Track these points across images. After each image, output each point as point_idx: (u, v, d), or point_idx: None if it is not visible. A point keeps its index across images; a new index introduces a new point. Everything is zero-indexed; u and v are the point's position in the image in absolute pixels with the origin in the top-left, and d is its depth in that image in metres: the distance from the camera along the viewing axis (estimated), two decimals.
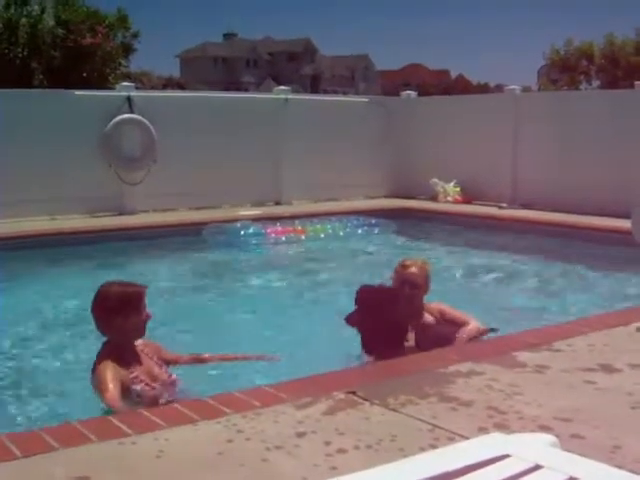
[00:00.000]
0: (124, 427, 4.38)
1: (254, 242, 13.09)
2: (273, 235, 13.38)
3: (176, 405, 4.85)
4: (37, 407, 5.86)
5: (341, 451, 4.20)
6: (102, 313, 5.54)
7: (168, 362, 5.99)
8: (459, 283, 11.15)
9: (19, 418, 5.64)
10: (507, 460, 2.55)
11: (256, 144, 16.43)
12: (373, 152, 17.86)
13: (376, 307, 6.24)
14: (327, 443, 4.30)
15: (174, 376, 5.87)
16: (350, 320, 6.38)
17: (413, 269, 7.00)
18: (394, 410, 4.79)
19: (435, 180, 17.10)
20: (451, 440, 4.34)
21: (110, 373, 5.36)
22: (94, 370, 5.46)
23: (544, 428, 4.43)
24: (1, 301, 9.71)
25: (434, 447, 4.20)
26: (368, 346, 6.36)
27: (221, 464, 4.04)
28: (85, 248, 12.32)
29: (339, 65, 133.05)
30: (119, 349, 5.57)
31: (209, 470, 3.94)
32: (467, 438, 4.31)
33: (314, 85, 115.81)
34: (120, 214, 14.83)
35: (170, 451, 3.87)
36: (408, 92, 19.58)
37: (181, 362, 6.28)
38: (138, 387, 5.46)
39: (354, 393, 5.02)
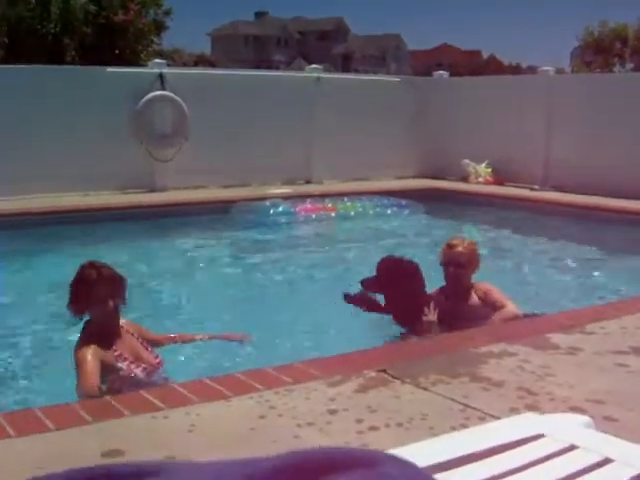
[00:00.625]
0: (157, 401, 4.40)
1: (283, 220, 13.07)
2: (303, 213, 13.36)
3: (207, 380, 4.86)
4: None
5: (372, 429, 4.21)
6: (84, 288, 5.42)
7: (152, 343, 5.93)
8: (488, 264, 11.08)
9: (55, 391, 5.66)
10: (541, 440, 2.55)
11: (287, 122, 16.41)
12: (404, 132, 17.81)
13: (394, 278, 6.33)
14: (359, 421, 4.31)
15: (160, 358, 5.78)
16: (365, 284, 6.49)
17: (459, 249, 7.05)
18: (425, 389, 4.80)
19: (467, 161, 17.02)
20: (482, 420, 4.34)
21: (90, 357, 5.22)
22: (75, 351, 5.35)
23: (576, 410, 4.41)
24: (33, 275, 9.79)
25: (465, 426, 4.20)
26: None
27: (253, 440, 4.06)
28: (115, 224, 12.36)
29: (370, 45, 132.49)
30: (101, 328, 5.46)
31: (241, 445, 3.95)
32: (498, 418, 4.31)
33: (345, 65, 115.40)
34: (151, 191, 14.86)
35: (202, 426, 3.89)
36: (440, 72, 19.50)
37: (164, 342, 6.23)
38: (123, 365, 5.38)
39: (385, 371, 5.02)
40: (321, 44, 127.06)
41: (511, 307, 6.99)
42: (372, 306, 6.94)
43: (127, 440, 3.90)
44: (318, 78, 17.02)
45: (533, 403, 4.60)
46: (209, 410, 4.25)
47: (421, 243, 12.32)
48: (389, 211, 13.87)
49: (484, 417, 4.39)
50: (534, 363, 5.32)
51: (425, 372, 5.05)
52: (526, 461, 2.42)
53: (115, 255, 9.79)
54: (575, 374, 5.14)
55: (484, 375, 5.06)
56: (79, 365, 5.22)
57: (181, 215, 13.22)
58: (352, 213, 13.56)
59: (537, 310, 7.19)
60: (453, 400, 4.63)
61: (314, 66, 17.95)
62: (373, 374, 5.00)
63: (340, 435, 4.12)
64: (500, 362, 5.34)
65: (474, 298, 7.06)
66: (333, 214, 13.50)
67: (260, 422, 4.27)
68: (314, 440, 4.02)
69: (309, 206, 13.57)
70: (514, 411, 4.44)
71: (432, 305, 6.69)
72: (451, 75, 20.12)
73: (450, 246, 7.14)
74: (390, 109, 17.69)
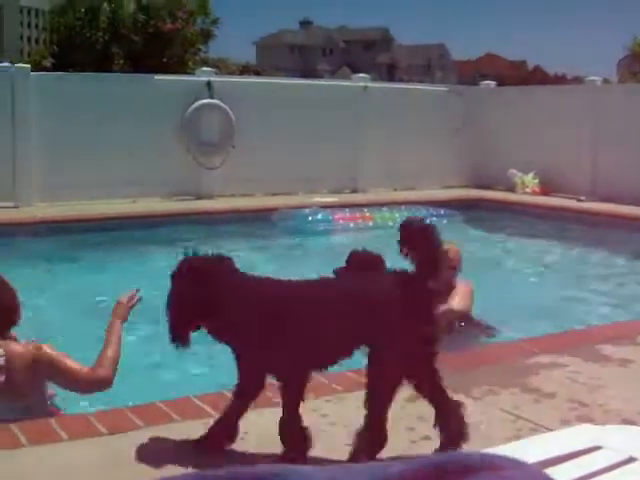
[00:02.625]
0: (207, 408, 4.42)
1: (321, 228, 13.08)
2: (341, 221, 13.39)
3: None
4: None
5: (425, 438, 4.21)
6: None
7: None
8: (532, 275, 11.03)
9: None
10: (599, 452, 2.54)
11: (334, 131, 16.41)
12: (451, 141, 17.75)
13: (361, 269, 6.62)
14: (410, 429, 4.32)
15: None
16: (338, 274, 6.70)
17: (452, 253, 7.34)
18: (476, 400, 4.79)
19: (513, 171, 16.95)
20: (534, 431, 4.32)
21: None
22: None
23: (629, 422, 4.39)
24: (82, 281, 9.86)
25: (518, 437, 4.19)
26: None
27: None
28: (162, 231, 12.43)
29: (415, 54, 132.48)
30: None
31: None
32: (550, 430, 4.29)
33: (390, 74, 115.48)
34: (198, 198, 14.93)
35: (255, 432, 3.91)
36: (487, 82, 19.45)
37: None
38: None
39: None
40: (366, 53, 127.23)
41: (447, 305, 7.22)
42: None
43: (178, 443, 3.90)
44: (365, 87, 17.02)
45: (585, 414, 4.58)
46: (261, 417, 4.26)
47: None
48: (427, 220, 13.80)
49: (536, 428, 4.38)
50: (585, 374, 5.29)
51: (476, 382, 5.04)
52: (585, 473, 2.41)
53: (161, 261, 9.86)
54: (627, 386, 5.11)
55: (534, 386, 5.05)
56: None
57: (226, 222, 13.27)
58: (389, 223, 13.53)
59: (588, 321, 7.16)
60: (505, 411, 4.63)
61: (361, 75, 17.97)
62: None
63: (393, 444, 4.11)
64: (550, 373, 5.32)
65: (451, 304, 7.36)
66: (371, 223, 13.50)
67: (313, 430, 4.28)
68: None
69: (347, 215, 13.60)
70: (566, 423, 4.42)
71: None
72: (498, 85, 20.04)
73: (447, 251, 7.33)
74: (437, 118, 17.65)
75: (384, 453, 3.88)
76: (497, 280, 10.20)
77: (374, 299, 3.80)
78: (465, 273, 10.71)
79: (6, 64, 15.37)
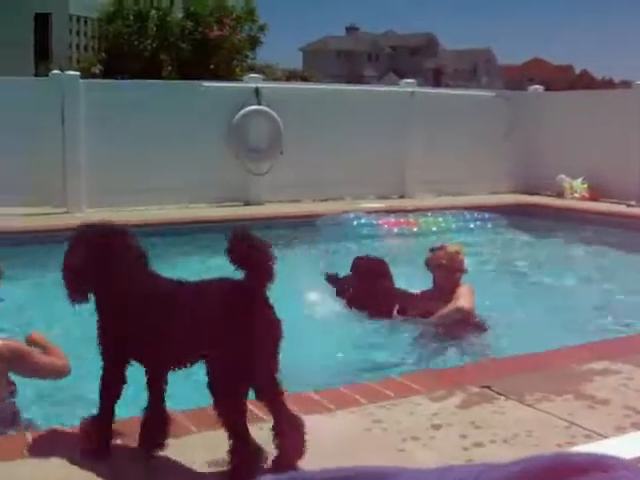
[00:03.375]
0: (260, 413, 4.42)
1: (365, 233, 13.05)
2: (385, 227, 13.36)
3: (311, 394, 4.89)
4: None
5: (477, 445, 4.19)
6: None
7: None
8: (581, 281, 10.93)
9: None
10: None
11: (381, 137, 16.40)
12: (499, 147, 17.66)
13: (368, 275, 6.74)
14: (463, 436, 4.29)
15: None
16: (343, 281, 6.90)
17: (461, 256, 7.81)
18: (530, 406, 4.76)
19: (562, 176, 16.84)
20: (588, 438, 4.29)
21: None
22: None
23: None
24: None
25: (571, 445, 4.16)
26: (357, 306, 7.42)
27: (359, 453, 4.06)
28: (210, 237, 12.47)
29: (461, 59, 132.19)
30: None
31: (347, 458, 3.95)
32: (604, 437, 4.26)
33: (436, 79, 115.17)
34: (246, 204, 14.98)
35: (308, 438, 3.89)
36: (535, 87, 19.33)
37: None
38: None
39: (489, 387, 5.00)
40: (412, 59, 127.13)
41: (452, 305, 7.53)
42: (347, 296, 7.59)
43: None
44: (412, 92, 17.00)
45: None
46: (314, 422, 4.26)
47: (499, 257, 12.39)
48: (472, 225, 13.78)
49: (590, 435, 4.34)
50: (639, 381, 5.24)
51: (529, 389, 5.01)
52: None
53: (210, 266, 9.90)
54: None
55: (588, 393, 5.00)
56: None
57: (274, 228, 13.27)
58: (434, 228, 13.51)
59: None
60: (558, 417, 4.59)
61: (408, 80, 17.93)
62: (476, 390, 4.97)
63: (445, 450, 4.11)
64: (604, 380, 5.27)
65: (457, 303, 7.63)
66: (415, 228, 13.47)
67: (365, 435, 4.29)
68: (419, 455, 4.02)
69: (392, 220, 13.57)
70: (620, 430, 4.39)
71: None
72: (545, 90, 19.92)
73: (457, 253, 7.85)
74: (485, 124, 17.58)
75: (430, 459, 3.87)
76: (544, 285, 10.15)
77: (204, 307, 3.76)
78: (511, 277, 10.71)
79: (56, 72, 15.52)
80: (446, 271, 7.72)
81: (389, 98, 17.17)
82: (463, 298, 7.57)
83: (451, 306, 7.53)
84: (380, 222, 13.41)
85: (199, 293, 3.82)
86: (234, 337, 3.68)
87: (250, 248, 3.71)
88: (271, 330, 3.80)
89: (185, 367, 4.02)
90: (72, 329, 6.82)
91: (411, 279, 10.71)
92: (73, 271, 4.13)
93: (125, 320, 4.01)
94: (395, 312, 7.65)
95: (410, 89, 17.13)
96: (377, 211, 14.10)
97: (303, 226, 13.27)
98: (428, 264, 7.91)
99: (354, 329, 7.54)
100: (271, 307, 3.84)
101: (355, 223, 13.23)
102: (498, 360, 6.16)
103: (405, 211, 14.25)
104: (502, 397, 4.86)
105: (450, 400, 4.81)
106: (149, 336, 3.96)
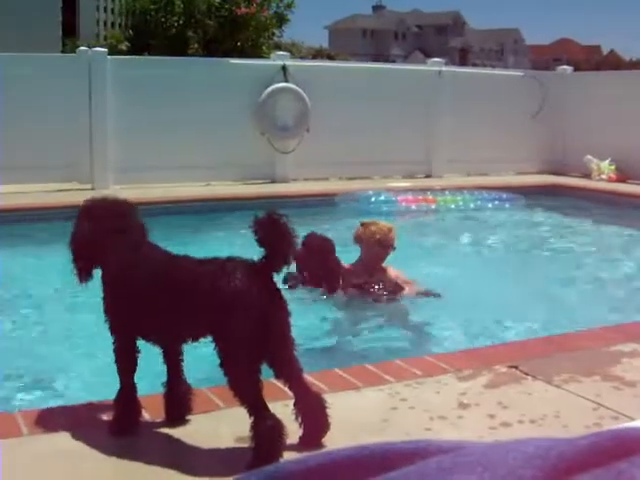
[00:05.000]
0: (285, 389, 4.41)
1: (384, 209, 13.02)
2: (404, 204, 13.35)
3: (338, 371, 4.89)
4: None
5: (505, 424, 4.18)
6: None
7: None
8: (604, 261, 10.86)
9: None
10: None
11: (408, 115, 16.35)
12: (526, 127, 17.57)
13: (318, 252, 7.07)
14: (491, 416, 4.28)
15: None
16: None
17: (392, 234, 7.87)
18: (557, 386, 4.74)
19: (589, 157, 16.73)
20: (615, 420, 4.27)
21: None
22: None
23: None
24: None
25: (599, 426, 4.14)
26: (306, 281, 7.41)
27: (386, 431, 4.07)
28: (235, 214, 12.47)
29: (488, 39, 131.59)
30: None
31: (374, 436, 3.96)
32: (632, 419, 4.23)
33: (462, 58, 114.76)
34: (272, 182, 14.99)
35: (335, 415, 3.89)
36: (564, 67, 19.20)
37: None
38: None
39: (516, 367, 4.98)
40: (438, 38, 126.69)
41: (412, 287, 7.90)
42: (303, 282, 7.56)
43: None
44: (440, 72, 16.92)
45: None
46: (342, 400, 4.26)
47: (514, 235, 12.42)
48: (490, 204, 13.75)
49: (617, 417, 4.32)
50: None
51: (556, 369, 4.99)
52: None
53: (233, 243, 9.92)
54: None
55: (616, 374, 4.98)
56: None
57: (297, 206, 13.25)
58: (452, 205, 13.51)
59: None
60: (585, 399, 4.57)
61: (436, 59, 17.85)
62: (504, 369, 4.96)
63: (472, 430, 4.10)
64: (632, 362, 5.25)
65: (389, 275, 7.89)
66: (433, 206, 13.47)
67: (392, 414, 4.28)
68: (446, 434, 4.01)
69: (410, 197, 13.56)
70: None
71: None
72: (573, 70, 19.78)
73: (390, 230, 7.87)
74: (512, 103, 17.48)
75: (457, 438, 3.85)
76: (570, 266, 10.10)
77: (212, 285, 3.73)
78: (534, 258, 10.66)
79: (84, 48, 15.53)
80: (378, 246, 7.77)
81: (417, 77, 17.10)
82: (407, 281, 7.94)
83: (412, 290, 7.86)
84: (399, 199, 13.40)
85: (208, 270, 3.81)
86: (244, 316, 3.68)
87: (274, 231, 3.72)
88: (280, 308, 3.81)
89: (192, 342, 4.06)
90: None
91: (426, 255, 10.73)
92: (78, 245, 4.18)
93: (129, 296, 4.03)
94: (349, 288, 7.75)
95: (438, 68, 17.05)
96: (405, 190, 14.06)
97: (328, 204, 13.27)
98: (358, 238, 7.94)
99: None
100: (279, 288, 3.86)
101: (373, 200, 13.22)
102: (525, 340, 6.14)
103: (431, 190, 14.19)
104: (529, 377, 4.84)
105: (477, 379, 4.79)
106: (153, 313, 3.98)
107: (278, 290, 3.82)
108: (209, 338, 3.83)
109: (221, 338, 3.72)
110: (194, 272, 3.83)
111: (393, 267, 7.98)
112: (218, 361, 3.73)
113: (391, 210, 13.00)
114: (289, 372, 3.86)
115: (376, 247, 7.77)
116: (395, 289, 7.79)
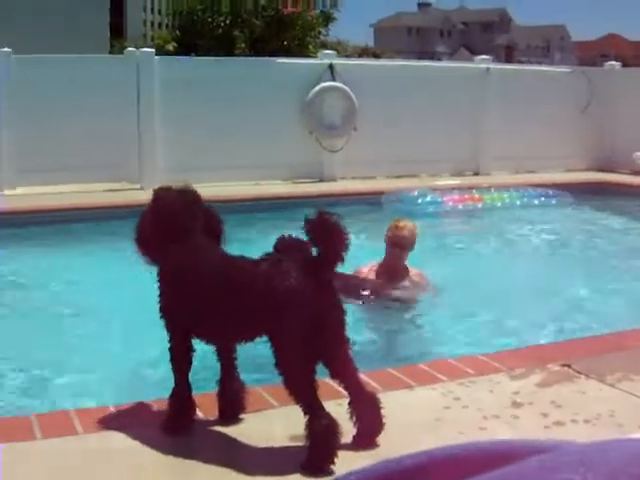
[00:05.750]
0: (339, 389, 4.42)
1: (430, 210, 12.94)
2: (450, 203, 13.26)
3: (391, 370, 4.89)
4: None
5: (559, 424, 4.16)
6: None
7: None
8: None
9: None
10: None
11: (455, 113, 16.28)
12: (574, 124, 17.43)
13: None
14: (544, 415, 4.27)
15: None
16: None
17: (405, 232, 7.53)
18: (611, 385, 4.71)
19: (638, 154, 16.58)
20: None
21: None
22: None
23: None
24: None
25: None
26: None
27: (440, 430, 4.07)
28: (281, 214, 12.49)
29: (534, 35, 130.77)
30: None
31: (428, 435, 3.96)
32: None
33: (508, 55, 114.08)
34: (320, 181, 15.00)
35: (389, 414, 3.89)
36: (612, 63, 19.04)
37: None
38: None
39: (569, 366, 4.95)
40: (484, 35, 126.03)
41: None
42: None
43: None
44: (488, 69, 16.84)
45: None
46: (394, 399, 4.26)
47: (560, 233, 12.37)
48: (536, 201, 13.63)
49: None
50: None
51: (609, 368, 4.96)
52: None
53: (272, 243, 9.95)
54: None
55: None
56: None
57: (344, 205, 13.23)
58: (498, 204, 13.41)
59: None
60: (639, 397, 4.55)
61: (483, 57, 17.77)
62: (556, 368, 4.94)
63: (526, 429, 4.09)
64: None
65: (407, 279, 7.67)
66: (480, 204, 13.37)
67: (445, 413, 4.28)
68: (501, 433, 4.00)
69: (456, 196, 13.47)
70: None
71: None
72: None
73: (397, 228, 7.58)
74: (560, 100, 17.36)
75: (512, 437, 3.85)
76: (619, 265, 10.01)
77: (268, 284, 3.73)
78: (582, 256, 10.56)
79: (131, 49, 15.64)
80: (389, 245, 7.61)
81: (464, 74, 17.02)
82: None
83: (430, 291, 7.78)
84: (445, 198, 13.33)
85: (263, 270, 3.81)
86: (298, 315, 3.69)
87: (326, 230, 3.74)
88: (335, 307, 3.82)
89: (247, 343, 4.07)
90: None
91: (473, 254, 10.69)
92: (141, 238, 4.23)
93: (185, 294, 4.05)
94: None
95: (485, 65, 16.97)
96: (453, 188, 14.00)
97: (374, 203, 13.23)
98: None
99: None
100: (334, 287, 3.86)
101: (419, 200, 13.14)
102: (578, 339, 6.10)
103: (477, 188, 14.10)
104: (582, 376, 4.82)
105: (530, 378, 4.78)
106: (209, 312, 4.00)
107: (333, 289, 3.83)
108: (263, 337, 3.85)
109: (276, 337, 3.74)
110: (250, 272, 3.84)
111: (416, 268, 7.81)
112: (273, 360, 3.74)
113: (437, 210, 12.95)
114: (344, 371, 3.86)
115: (388, 246, 7.63)
116: (412, 292, 7.66)
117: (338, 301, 3.84)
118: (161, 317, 4.12)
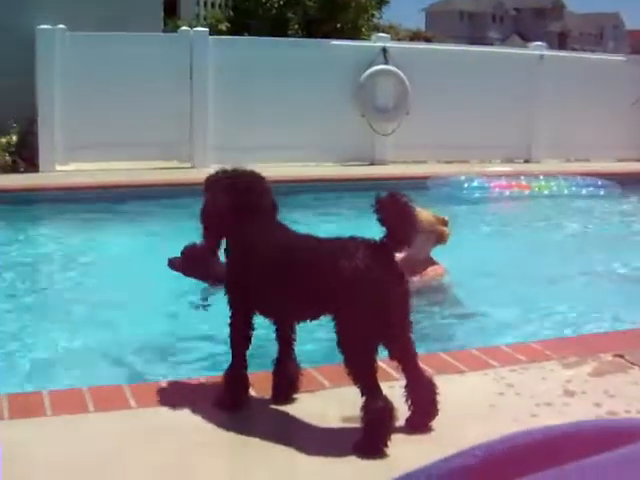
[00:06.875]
0: (392, 371, 4.42)
1: (477, 195, 12.86)
2: (497, 189, 13.17)
3: (442, 354, 4.89)
4: None
5: (612, 414, 4.13)
6: None
7: None
8: None
9: None
10: None
11: (507, 99, 16.15)
12: (629, 113, 17.24)
13: (195, 260, 6.67)
14: (597, 405, 4.24)
15: None
16: (171, 264, 6.86)
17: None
18: None
19: None
20: None
21: None
22: None
23: None
24: None
25: None
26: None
27: (493, 416, 4.06)
28: (334, 195, 12.51)
29: (587, 23, 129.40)
30: None
31: (481, 421, 3.95)
32: None
33: (561, 43, 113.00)
34: (371, 164, 14.98)
35: (441, 399, 3.88)
36: None
37: None
38: None
39: (622, 357, 4.92)
40: (536, 21, 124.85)
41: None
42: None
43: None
44: (541, 56, 16.70)
45: None
46: (446, 384, 4.25)
47: (609, 223, 12.29)
48: (584, 191, 13.49)
49: None
50: None
51: None
52: None
53: (333, 224, 9.97)
54: None
55: None
56: None
57: (390, 189, 13.16)
58: (546, 192, 13.30)
59: None
60: None
61: (538, 43, 17.60)
62: (609, 358, 4.90)
63: (578, 418, 4.01)
64: None
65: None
66: (527, 192, 13.27)
67: (498, 399, 4.27)
68: (553, 421, 3.95)
69: (503, 183, 13.38)
70: None
71: None
72: None
73: (445, 223, 7.32)
74: (614, 89, 17.16)
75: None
76: None
77: (335, 264, 3.70)
78: (629, 247, 10.44)
79: (185, 28, 15.68)
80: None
81: (517, 60, 16.92)
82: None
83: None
84: (492, 185, 13.25)
85: (331, 250, 3.81)
86: (365, 296, 3.68)
87: (396, 212, 3.73)
88: (401, 289, 3.81)
89: (311, 321, 4.08)
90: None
91: (518, 241, 10.61)
92: (208, 217, 4.21)
93: (251, 271, 4.05)
94: None
95: (539, 52, 16.83)
96: (502, 175, 13.92)
97: (422, 188, 13.16)
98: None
99: None
100: (400, 268, 3.85)
101: (466, 185, 13.07)
102: (630, 330, 6.06)
103: (525, 175, 14.00)
104: (636, 367, 4.78)
105: (582, 367, 4.75)
106: (275, 290, 4.00)
107: (399, 270, 3.81)
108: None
109: (341, 317, 3.73)
110: (317, 251, 3.85)
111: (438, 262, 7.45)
112: (335, 339, 3.75)
113: (483, 196, 12.88)
114: (404, 354, 3.86)
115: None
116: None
117: (405, 282, 3.83)
118: (225, 293, 4.15)
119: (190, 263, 6.80)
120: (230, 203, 4.11)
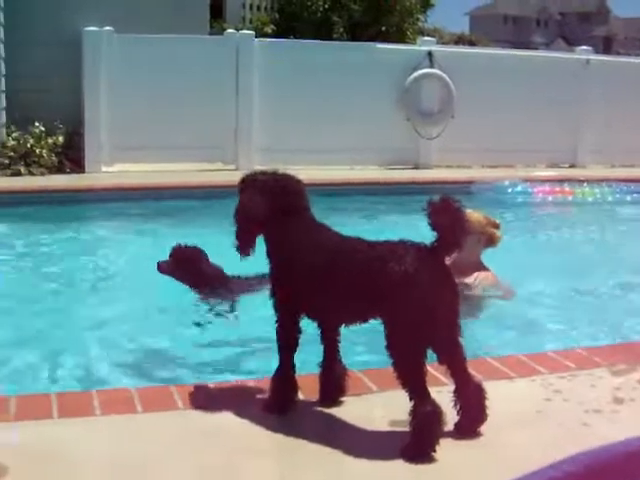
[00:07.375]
0: (440, 376, 4.39)
1: (520, 200, 12.84)
2: (540, 195, 13.14)
3: (490, 360, 4.86)
4: None
5: None
6: None
7: None
8: None
9: None
10: None
11: (553, 104, 16.04)
12: None
13: (185, 262, 6.74)
14: None
15: None
16: (161, 268, 6.80)
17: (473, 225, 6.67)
18: None
19: None
20: None
21: None
22: None
23: None
24: None
25: None
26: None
27: (540, 422, 4.05)
28: (379, 199, 12.48)
29: (632, 27, 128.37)
30: None
31: (528, 427, 3.96)
32: None
33: (606, 47, 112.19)
34: (415, 168, 14.96)
35: (489, 404, 3.86)
36: None
37: None
38: None
39: None
40: (581, 26, 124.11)
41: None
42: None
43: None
44: (588, 60, 16.59)
45: None
46: (494, 389, 4.22)
47: None
48: (629, 198, 13.40)
49: None
50: None
51: None
52: None
53: (376, 227, 9.94)
54: None
55: None
56: None
57: (433, 193, 13.09)
58: (589, 199, 13.22)
59: None
60: None
61: (584, 47, 17.48)
62: None
63: (629, 425, 4.03)
64: None
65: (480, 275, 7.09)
66: (570, 198, 13.21)
67: (546, 405, 4.24)
68: (603, 429, 3.95)
69: (547, 188, 13.36)
70: None
71: None
72: None
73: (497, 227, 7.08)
74: None
75: (615, 434, 3.80)
76: None
77: (386, 267, 3.68)
78: None
79: (231, 30, 15.72)
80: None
81: (563, 65, 16.83)
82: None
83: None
84: (535, 190, 13.21)
85: (381, 253, 3.79)
86: (415, 299, 3.67)
87: (448, 216, 3.72)
88: (451, 293, 3.79)
89: (359, 324, 4.05)
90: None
91: (561, 247, 10.52)
92: (243, 217, 4.16)
93: (298, 274, 4.03)
94: None
95: (585, 56, 16.73)
96: (547, 180, 13.85)
97: (465, 193, 13.10)
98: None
99: None
100: (450, 272, 3.83)
101: (510, 190, 13.06)
102: None
103: (575, 181, 13.92)
104: None
105: (632, 375, 4.71)
106: (323, 293, 3.97)
107: (449, 274, 3.80)
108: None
109: (390, 320, 3.72)
110: (366, 254, 3.82)
111: (491, 271, 7.23)
112: (384, 343, 3.73)
113: (526, 201, 12.85)
114: (453, 358, 3.84)
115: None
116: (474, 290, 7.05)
117: (455, 287, 3.82)
118: (270, 297, 4.13)
119: (180, 265, 6.77)
120: (266, 204, 4.10)
